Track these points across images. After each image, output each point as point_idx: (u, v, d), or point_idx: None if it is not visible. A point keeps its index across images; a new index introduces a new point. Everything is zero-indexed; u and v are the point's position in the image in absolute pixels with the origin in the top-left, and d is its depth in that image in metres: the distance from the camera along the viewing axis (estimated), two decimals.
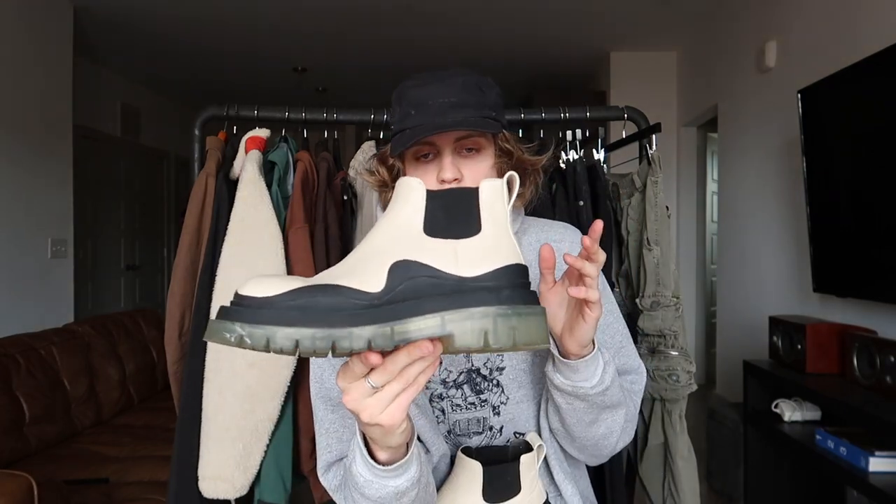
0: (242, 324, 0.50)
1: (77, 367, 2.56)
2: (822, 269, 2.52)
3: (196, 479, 1.32)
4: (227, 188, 1.40)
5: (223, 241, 1.35)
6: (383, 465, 0.65)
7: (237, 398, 1.30)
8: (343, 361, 0.57)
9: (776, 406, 2.31)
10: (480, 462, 0.79)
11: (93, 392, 2.63)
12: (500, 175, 0.83)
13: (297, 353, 0.50)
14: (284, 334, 0.49)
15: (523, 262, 0.58)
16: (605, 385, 0.75)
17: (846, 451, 1.91)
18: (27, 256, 3.31)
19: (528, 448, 0.83)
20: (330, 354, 0.51)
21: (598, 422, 0.80)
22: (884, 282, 2.15)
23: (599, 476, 1.46)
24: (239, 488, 1.30)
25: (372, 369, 0.54)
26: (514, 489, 0.80)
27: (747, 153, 3.53)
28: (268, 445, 1.33)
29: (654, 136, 1.58)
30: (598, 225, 0.66)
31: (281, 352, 0.50)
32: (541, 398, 0.87)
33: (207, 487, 1.30)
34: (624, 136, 1.70)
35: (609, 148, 1.79)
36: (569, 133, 1.64)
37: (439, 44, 4.55)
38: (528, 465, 0.81)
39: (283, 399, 1.33)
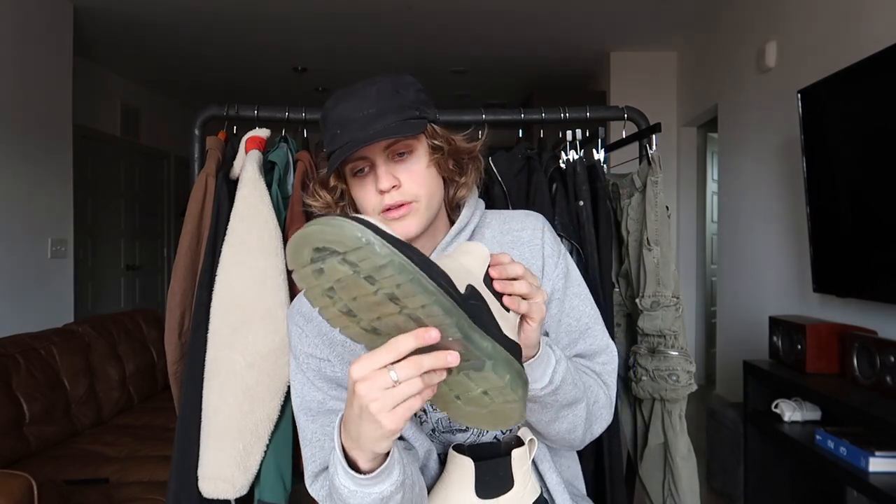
0: (377, 236, 0.51)
1: (77, 367, 2.56)
2: (822, 269, 2.52)
3: (196, 479, 1.31)
4: (227, 188, 1.40)
5: (223, 241, 1.35)
6: (365, 473, 0.65)
7: (237, 398, 1.30)
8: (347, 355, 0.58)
9: (776, 406, 2.31)
10: (472, 458, 0.79)
11: (93, 392, 2.63)
12: (440, 170, 0.85)
13: (398, 291, 0.53)
14: (405, 264, 0.52)
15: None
16: (554, 385, 0.74)
17: (846, 451, 1.91)
18: (27, 256, 3.31)
19: (519, 443, 0.83)
20: (398, 311, 0.54)
21: (559, 419, 0.80)
22: (884, 282, 2.15)
23: (599, 476, 1.46)
24: (239, 488, 1.30)
25: (398, 361, 0.56)
26: (507, 484, 0.80)
27: (747, 153, 3.53)
28: (267, 445, 1.33)
29: (654, 136, 1.58)
30: (502, 257, 0.67)
31: (389, 279, 0.52)
32: None
33: (207, 487, 1.30)
34: (624, 136, 1.70)
35: (609, 148, 1.79)
36: (569, 133, 1.64)
37: (439, 44, 4.55)
38: (520, 460, 0.81)
39: (282, 399, 1.33)
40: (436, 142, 0.83)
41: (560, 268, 0.89)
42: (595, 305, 0.93)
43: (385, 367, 0.56)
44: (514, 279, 0.65)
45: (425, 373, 0.56)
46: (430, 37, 4.41)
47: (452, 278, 0.59)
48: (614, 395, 0.89)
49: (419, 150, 0.82)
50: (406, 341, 0.55)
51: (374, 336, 0.58)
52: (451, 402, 0.62)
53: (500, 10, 3.89)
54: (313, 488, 0.82)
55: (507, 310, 0.65)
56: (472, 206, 0.90)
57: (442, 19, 4.05)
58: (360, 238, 0.50)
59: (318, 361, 0.83)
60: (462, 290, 0.60)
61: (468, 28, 4.21)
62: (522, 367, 0.63)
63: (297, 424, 0.86)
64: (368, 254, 0.51)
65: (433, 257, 0.66)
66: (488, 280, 0.65)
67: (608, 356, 0.91)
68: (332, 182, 0.86)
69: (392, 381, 0.55)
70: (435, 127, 0.84)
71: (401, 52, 4.70)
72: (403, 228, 0.80)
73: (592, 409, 0.83)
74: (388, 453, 0.65)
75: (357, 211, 0.86)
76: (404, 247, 0.54)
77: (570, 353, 0.88)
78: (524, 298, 0.65)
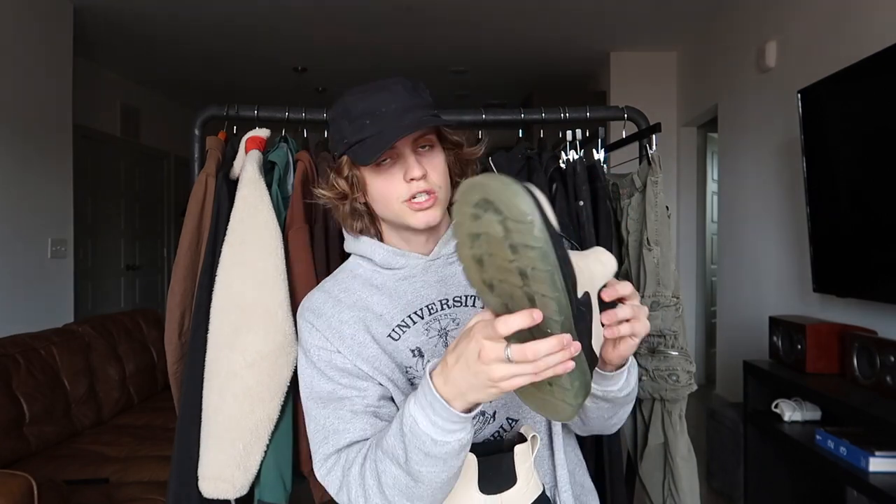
0: (540, 219, 0.54)
1: (77, 367, 2.56)
2: (822, 269, 2.52)
3: (196, 479, 1.31)
4: (227, 188, 1.40)
5: (223, 241, 1.35)
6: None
7: (237, 398, 1.30)
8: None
9: (776, 406, 2.31)
10: (474, 454, 0.79)
11: (93, 392, 2.63)
12: (450, 167, 0.89)
13: (531, 271, 0.56)
14: (549, 254, 0.55)
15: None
16: (630, 387, 0.82)
17: (846, 451, 1.91)
18: (27, 256, 3.31)
19: (522, 439, 0.83)
20: (523, 295, 0.58)
21: (616, 416, 0.87)
22: (884, 282, 2.15)
23: (599, 476, 1.46)
24: (239, 488, 1.30)
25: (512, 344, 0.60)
26: (510, 480, 0.81)
27: (747, 153, 3.53)
28: (268, 445, 1.33)
29: (654, 136, 1.58)
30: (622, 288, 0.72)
31: (529, 259, 0.55)
32: None
33: (207, 487, 1.30)
34: (624, 136, 1.70)
35: (609, 148, 1.79)
36: (569, 133, 1.64)
37: (439, 44, 4.55)
38: (523, 456, 0.82)
39: (283, 399, 1.33)
40: (455, 138, 0.89)
41: None
42: None
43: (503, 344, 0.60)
44: (621, 300, 0.71)
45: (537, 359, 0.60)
46: (430, 37, 4.41)
47: (577, 280, 0.63)
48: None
49: (437, 146, 0.88)
50: (518, 321, 0.59)
51: (488, 290, 0.62)
52: (545, 387, 0.66)
53: (500, 11, 3.89)
54: (322, 471, 0.82)
55: (603, 325, 0.70)
56: None
57: (442, 19, 4.05)
58: (526, 214, 0.54)
59: (329, 353, 0.85)
60: (580, 294, 0.63)
61: (468, 28, 4.21)
62: (591, 378, 0.67)
63: (306, 414, 0.86)
64: (526, 230, 0.54)
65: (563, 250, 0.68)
66: (602, 292, 0.70)
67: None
68: (347, 171, 0.88)
69: (505, 359, 0.60)
70: (450, 129, 0.90)
71: (401, 51, 4.70)
72: (429, 217, 0.85)
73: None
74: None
75: (367, 201, 0.89)
76: (555, 237, 0.56)
77: None
78: (626, 321, 0.71)
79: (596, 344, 0.68)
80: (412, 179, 0.83)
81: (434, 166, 0.86)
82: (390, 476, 0.72)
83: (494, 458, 0.80)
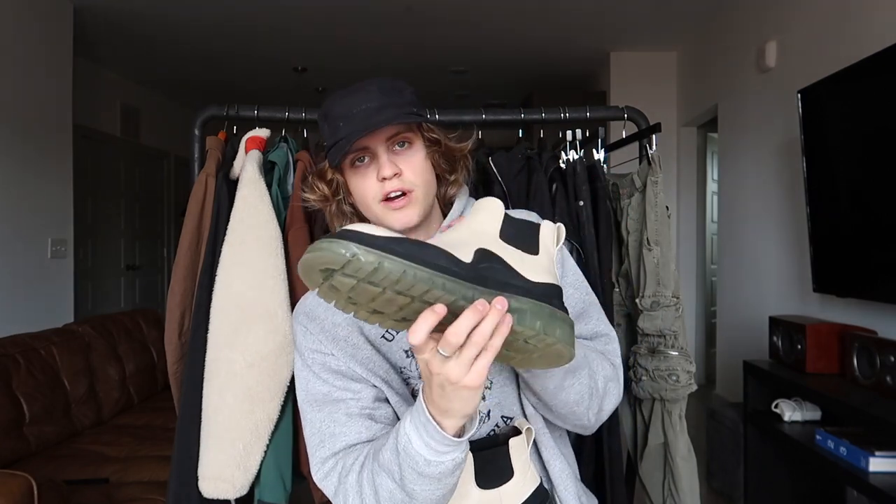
0: (359, 245, 0.55)
1: (77, 367, 2.56)
2: (822, 269, 2.52)
3: (196, 479, 1.32)
4: (227, 188, 1.40)
5: (223, 241, 1.35)
6: (455, 436, 0.67)
7: (237, 398, 1.30)
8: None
9: (776, 406, 2.31)
10: (470, 449, 0.79)
11: (93, 392, 2.63)
12: (434, 164, 0.89)
13: (397, 286, 0.56)
14: (393, 261, 0.56)
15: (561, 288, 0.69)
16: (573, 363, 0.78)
17: (846, 451, 1.91)
18: (27, 256, 3.31)
19: (516, 432, 0.84)
20: (410, 301, 0.58)
21: (564, 388, 0.81)
22: (884, 282, 2.15)
23: (599, 476, 1.46)
24: (239, 488, 1.30)
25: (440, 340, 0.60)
26: (507, 474, 0.81)
27: (747, 153, 3.53)
28: (268, 445, 1.33)
29: (654, 136, 1.58)
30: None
31: (385, 279, 0.56)
32: None
33: (207, 487, 1.30)
34: (624, 136, 1.70)
35: (609, 148, 1.79)
36: (569, 133, 1.64)
37: (439, 44, 4.55)
38: (519, 449, 0.82)
39: (283, 399, 1.33)
40: (433, 135, 0.88)
41: (556, 259, 0.92)
42: (592, 294, 0.95)
43: (433, 344, 0.61)
44: None
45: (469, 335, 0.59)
46: (430, 37, 4.41)
47: (456, 249, 0.62)
48: (622, 374, 0.90)
49: (417, 144, 0.87)
50: (422, 325, 0.58)
51: (408, 324, 0.62)
52: (503, 354, 0.65)
53: (500, 11, 3.89)
54: (319, 475, 0.83)
55: (536, 252, 0.68)
56: (464, 200, 0.95)
57: (442, 19, 4.05)
58: (344, 254, 0.55)
59: (323, 356, 0.86)
60: (470, 257, 0.62)
61: (468, 28, 4.20)
62: (559, 307, 0.65)
63: (303, 418, 0.87)
64: (358, 264, 0.55)
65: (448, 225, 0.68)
66: (508, 231, 0.68)
67: (609, 339, 0.92)
68: (330, 175, 0.89)
69: (444, 357, 0.60)
70: (429, 126, 0.89)
71: (401, 51, 4.70)
72: (405, 218, 0.84)
73: (598, 381, 0.84)
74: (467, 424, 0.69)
75: (353, 203, 0.90)
76: (392, 243, 0.57)
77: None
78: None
79: (541, 274, 0.66)
80: (384, 179, 0.83)
81: (411, 165, 0.85)
82: (386, 490, 0.72)
83: (490, 453, 0.81)
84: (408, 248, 0.58)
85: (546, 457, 0.88)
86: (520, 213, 0.94)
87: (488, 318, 0.59)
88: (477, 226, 0.68)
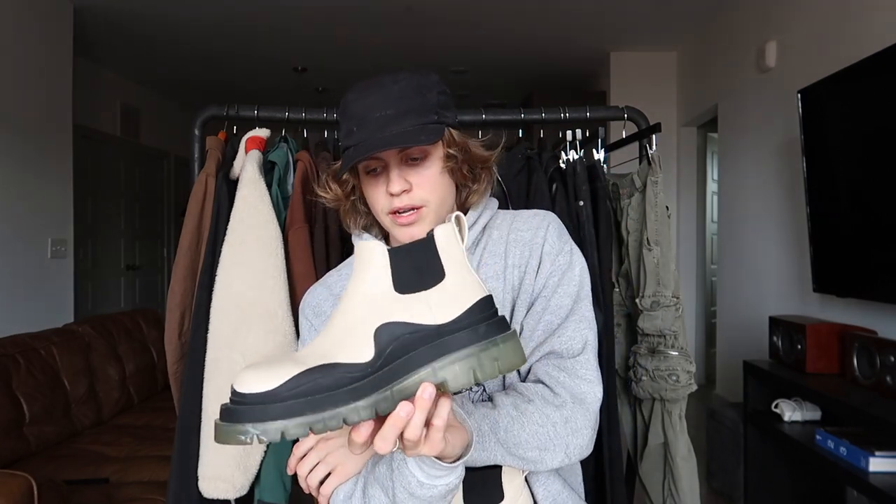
0: (255, 423, 0.53)
1: (77, 367, 2.56)
2: (822, 269, 2.52)
3: (196, 479, 1.31)
4: (227, 188, 1.40)
5: (223, 241, 1.35)
6: (449, 461, 0.66)
7: None
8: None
9: (776, 406, 2.31)
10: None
11: (93, 392, 2.63)
12: (453, 176, 0.84)
13: (316, 431, 0.54)
14: (297, 423, 0.53)
15: (488, 293, 0.63)
16: (471, 462, 0.72)
17: (846, 451, 1.91)
18: (27, 256, 3.31)
19: None
20: (339, 427, 0.55)
21: (537, 460, 0.76)
22: (884, 282, 2.15)
23: (599, 476, 1.46)
24: (239, 488, 1.30)
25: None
26: (497, 496, 0.79)
27: (747, 153, 3.53)
28: (268, 446, 1.33)
29: (654, 136, 1.58)
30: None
31: (299, 433, 0.53)
32: None
33: (207, 487, 1.30)
34: (624, 136, 1.70)
35: (609, 148, 1.79)
36: (569, 133, 1.64)
37: (439, 44, 4.55)
38: (511, 473, 0.80)
39: None
40: (451, 150, 0.82)
41: (559, 264, 0.85)
42: (588, 306, 0.86)
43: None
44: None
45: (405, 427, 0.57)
46: (430, 37, 4.41)
47: (353, 344, 0.58)
48: (596, 384, 0.80)
49: (433, 156, 0.81)
50: (355, 441, 0.58)
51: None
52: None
53: (500, 11, 3.89)
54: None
55: (442, 275, 0.61)
56: (479, 210, 0.89)
57: (442, 19, 4.05)
58: (245, 439, 0.53)
59: None
60: (371, 351, 0.57)
61: (468, 28, 4.21)
62: (488, 329, 0.60)
63: None
64: (267, 438, 0.53)
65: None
66: (402, 274, 0.61)
67: (579, 346, 0.82)
68: (345, 176, 0.86)
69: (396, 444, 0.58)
70: (453, 133, 0.82)
71: (401, 51, 4.70)
72: (411, 234, 0.81)
73: (559, 431, 0.77)
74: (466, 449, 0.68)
75: (367, 205, 0.86)
76: (285, 400, 0.54)
77: (542, 351, 0.83)
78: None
79: (454, 300, 0.60)
80: (391, 194, 0.79)
81: (423, 179, 0.80)
82: (377, 502, 0.72)
83: (481, 474, 0.78)
84: (302, 395, 0.54)
85: (531, 481, 0.84)
86: (526, 215, 0.91)
87: (416, 417, 0.56)
88: (366, 289, 0.61)
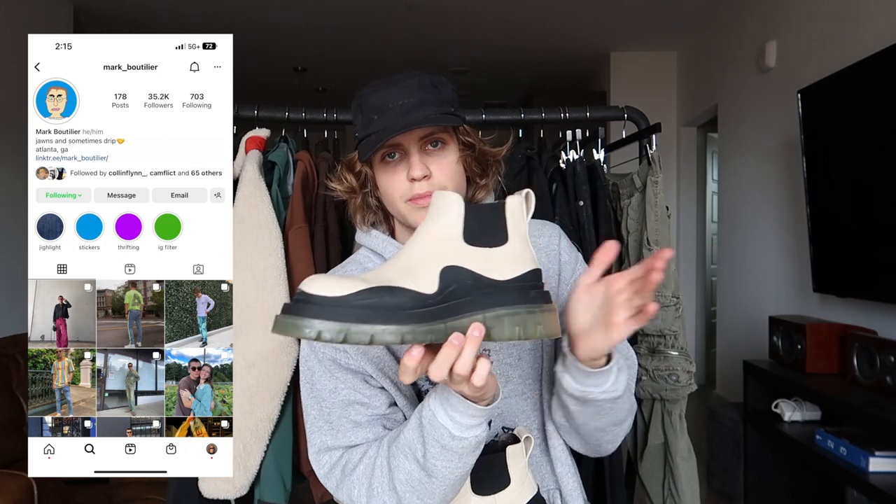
0: (322, 320, 0.57)
1: None
2: (822, 269, 2.52)
3: (196, 479, 1.32)
4: None
5: None
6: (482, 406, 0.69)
7: (237, 398, 1.30)
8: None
9: (776, 406, 2.31)
10: None
11: None
12: (466, 168, 0.86)
13: (371, 343, 0.58)
14: (359, 329, 0.57)
15: (539, 267, 0.68)
16: (616, 393, 0.75)
17: (846, 451, 1.91)
18: (27, 256, 3.31)
19: (515, 440, 0.84)
20: (394, 344, 0.59)
21: (605, 430, 0.82)
22: (884, 282, 2.15)
23: (599, 476, 1.46)
24: (239, 488, 1.30)
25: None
26: (504, 481, 0.81)
27: (747, 153, 3.53)
28: (268, 445, 1.33)
29: (654, 136, 1.58)
30: (613, 246, 0.68)
31: (356, 343, 0.58)
32: (530, 394, 0.88)
33: (207, 487, 1.31)
34: (624, 136, 1.70)
35: (609, 148, 1.79)
36: (569, 133, 1.64)
37: (439, 44, 4.55)
38: (516, 457, 0.82)
39: (282, 399, 1.33)
40: (468, 139, 0.85)
41: (577, 274, 0.90)
42: None
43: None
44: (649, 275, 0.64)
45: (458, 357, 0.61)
46: (430, 37, 4.41)
47: (419, 276, 0.62)
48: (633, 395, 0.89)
49: (450, 145, 0.84)
50: (406, 366, 0.62)
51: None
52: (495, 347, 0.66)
53: (500, 11, 3.89)
54: (320, 469, 0.83)
55: (505, 239, 0.66)
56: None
57: (442, 20, 4.05)
58: (309, 333, 0.57)
59: (333, 351, 0.85)
60: (435, 284, 0.62)
61: (468, 28, 4.21)
62: (536, 296, 0.65)
63: (305, 411, 0.87)
64: (329, 337, 0.57)
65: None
66: (471, 227, 0.66)
67: (628, 353, 0.89)
68: (359, 167, 0.87)
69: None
70: (466, 126, 0.86)
71: (401, 51, 4.70)
72: None
73: (627, 421, 0.84)
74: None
75: (378, 200, 0.88)
76: (353, 306, 0.58)
77: None
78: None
79: (514, 265, 0.65)
80: (413, 179, 0.81)
81: (442, 166, 0.83)
82: (403, 472, 0.73)
83: (487, 459, 0.80)
84: (368, 305, 0.58)
85: (559, 471, 0.88)
86: (534, 223, 0.93)
87: (466, 351, 0.60)
88: (438, 232, 0.67)
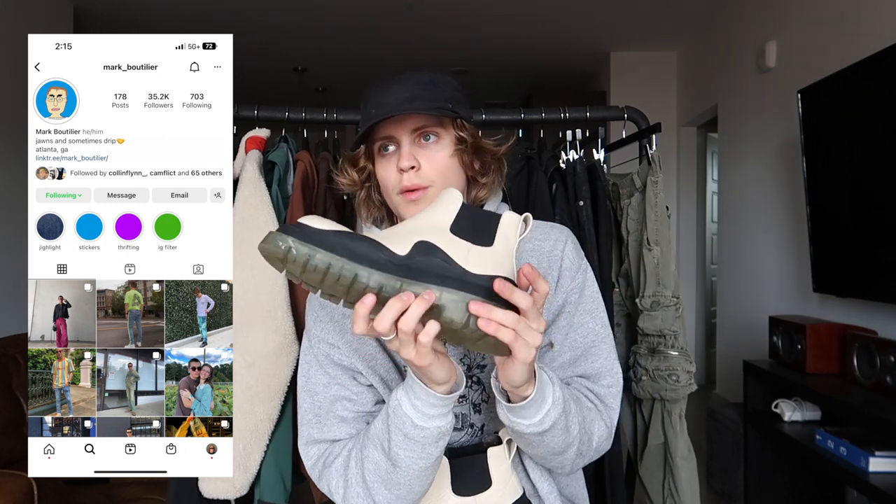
0: (294, 238, 0.61)
1: None
2: (822, 269, 2.52)
3: (196, 479, 1.32)
4: None
5: None
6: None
7: (237, 398, 1.30)
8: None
9: (776, 406, 2.31)
10: (447, 456, 0.79)
11: None
12: (461, 162, 0.86)
13: (324, 279, 0.61)
14: (324, 256, 0.61)
15: (513, 279, 0.67)
16: (542, 427, 0.72)
17: (846, 451, 1.91)
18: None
19: (498, 441, 0.83)
20: (346, 289, 0.62)
21: (546, 458, 0.79)
22: (884, 282, 2.15)
23: (599, 476, 1.46)
24: (239, 488, 1.30)
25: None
26: (485, 483, 0.81)
27: (747, 153, 3.53)
28: (268, 445, 1.33)
29: (654, 136, 1.58)
30: (527, 267, 0.66)
31: (317, 270, 0.61)
32: None
33: (207, 487, 1.31)
34: (624, 136, 1.70)
35: (609, 148, 1.79)
36: (569, 133, 1.64)
37: (439, 44, 4.55)
38: (498, 459, 0.82)
39: (282, 399, 1.33)
40: (462, 133, 0.85)
41: (577, 282, 0.88)
42: (608, 326, 0.91)
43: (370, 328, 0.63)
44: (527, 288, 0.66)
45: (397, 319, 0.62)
46: (430, 37, 4.41)
47: (395, 241, 0.65)
48: (616, 418, 0.86)
49: (445, 139, 0.85)
50: (358, 314, 0.62)
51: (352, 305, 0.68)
52: (449, 336, 0.66)
53: (499, 11, 3.89)
54: (307, 459, 0.85)
55: (490, 243, 0.68)
56: (494, 205, 0.92)
57: (442, 20, 4.05)
58: (281, 247, 0.61)
59: (328, 346, 0.87)
60: (406, 249, 0.65)
61: (468, 28, 4.21)
62: (499, 300, 0.64)
63: (299, 404, 0.89)
64: (294, 256, 0.61)
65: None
66: (462, 223, 0.69)
67: (612, 378, 0.88)
68: (362, 162, 0.89)
69: (387, 337, 0.63)
70: (465, 123, 0.86)
71: (401, 51, 4.70)
72: (417, 211, 0.83)
73: (585, 447, 0.81)
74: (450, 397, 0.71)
75: (381, 194, 0.89)
76: (328, 236, 0.62)
77: (573, 371, 0.87)
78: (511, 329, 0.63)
79: (488, 267, 0.66)
80: (400, 169, 0.82)
81: (433, 160, 0.83)
82: (372, 462, 0.74)
83: (468, 460, 0.81)
84: (341, 241, 0.62)
85: (533, 477, 0.86)
86: (543, 226, 0.92)
87: (412, 308, 0.60)
88: (429, 218, 0.70)
